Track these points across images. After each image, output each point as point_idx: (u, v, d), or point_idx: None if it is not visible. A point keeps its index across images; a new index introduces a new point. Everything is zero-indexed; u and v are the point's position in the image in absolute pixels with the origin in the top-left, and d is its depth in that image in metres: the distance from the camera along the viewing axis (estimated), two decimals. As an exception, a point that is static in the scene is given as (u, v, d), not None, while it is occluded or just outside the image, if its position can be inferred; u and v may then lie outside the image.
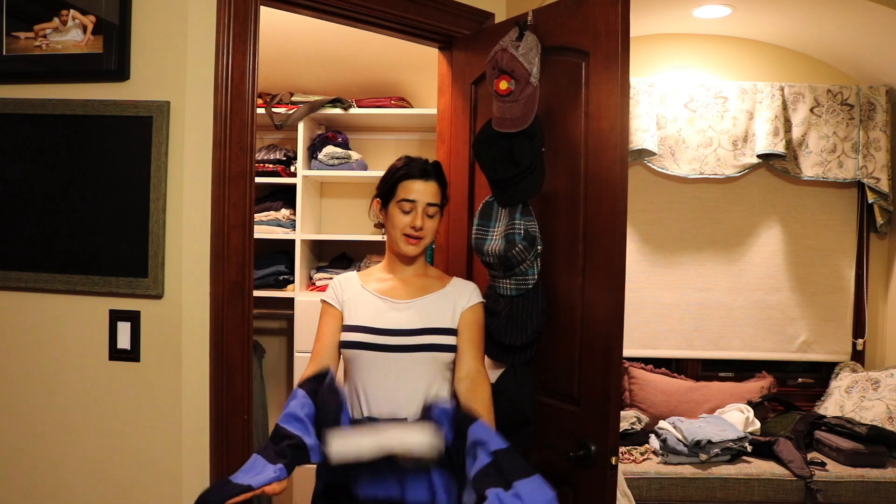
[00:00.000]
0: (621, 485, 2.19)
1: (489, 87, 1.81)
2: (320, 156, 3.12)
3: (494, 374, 1.90)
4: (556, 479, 1.76)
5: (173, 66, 1.66)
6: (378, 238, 3.18)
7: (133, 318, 1.67)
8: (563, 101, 1.78)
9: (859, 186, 3.37)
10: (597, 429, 1.66)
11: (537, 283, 1.79)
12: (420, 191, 1.66)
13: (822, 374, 3.48)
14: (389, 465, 1.40)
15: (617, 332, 1.64)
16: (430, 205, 1.66)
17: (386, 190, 1.70)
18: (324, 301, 1.71)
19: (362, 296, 1.68)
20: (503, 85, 1.75)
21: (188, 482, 1.69)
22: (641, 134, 3.18)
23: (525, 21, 1.82)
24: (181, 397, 1.68)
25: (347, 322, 1.65)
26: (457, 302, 1.68)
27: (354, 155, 3.16)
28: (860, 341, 3.42)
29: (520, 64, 1.72)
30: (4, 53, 1.69)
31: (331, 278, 3.12)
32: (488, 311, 1.82)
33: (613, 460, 1.62)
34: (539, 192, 1.80)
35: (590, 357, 1.70)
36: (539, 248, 1.77)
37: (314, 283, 3.20)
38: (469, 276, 2.14)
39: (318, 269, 3.23)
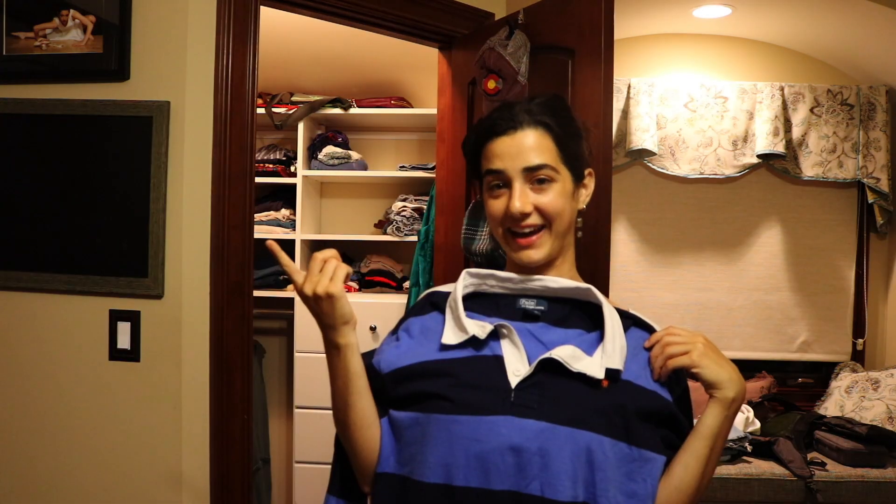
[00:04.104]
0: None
1: (478, 87, 1.82)
2: (320, 156, 3.12)
3: None
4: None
5: (173, 66, 1.66)
6: (378, 238, 3.18)
7: (133, 318, 1.67)
8: (551, 99, 1.79)
9: (859, 186, 3.36)
10: None
11: None
12: (507, 152, 1.00)
13: (822, 374, 3.48)
14: None
15: None
16: (529, 169, 0.99)
17: (472, 166, 1.09)
18: None
19: None
20: (491, 84, 1.75)
21: (188, 482, 1.69)
22: (641, 134, 3.17)
23: (516, 20, 1.82)
24: (181, 397, 1.68)
25: None
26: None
27: (354, 155, 3.16)
28: (860, 341, 3.42)
29: (506, 63, 1.72)
30: (4, 53, 1.69)
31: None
32: None
33: None
34: None
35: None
36: None
37: (314, 283, 3.20)
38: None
39: (318, 269, 3.23)
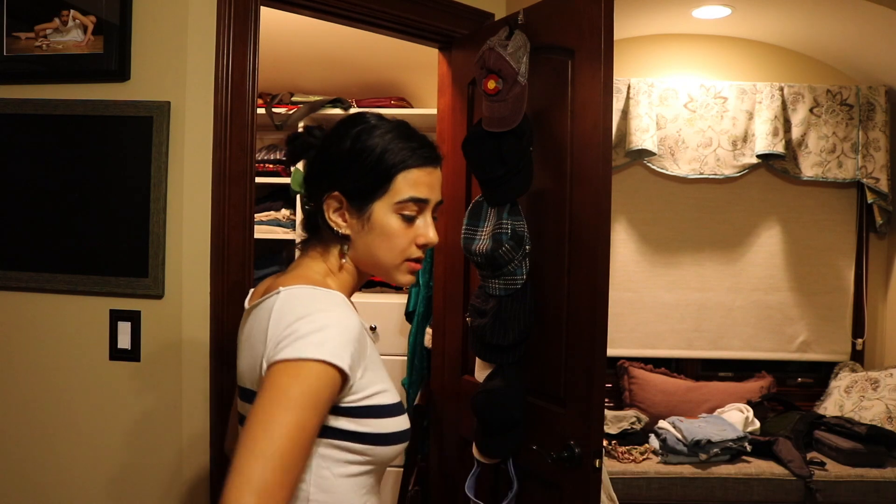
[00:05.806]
0: (606, 487, 2.19)
1: (478, 87, 1.82)
2: (320, 156, 3.12)
3: (483, 374, 1.91)
4: (543, 480, 1.76)
5: (173, 67, 1.66)
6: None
7: (133, 318, 1.67)
8: (551, 99, 1.79)
9: (859, 186, 3.37)
10: (581, 430, 1.66)
11: (526, 283, 1.79)
12: (432, 184, 1.08)
13: (821, 373, 3.48)
14: None
15: (600, 335, 1.63)
16: (438, 205, 1.12)
17: (370, 181, 1.05)
18: (325, 362, 0.91)
19: (372, 346, 1.06)
20: (491, 84, 1.76)
21: (189, 483, 1.69)
22: (641, 134, 3.18)
23: (516, 20, 1.82)
24: (181, 397, 1.68)
25: (378, 400, 1.01)
26: None
27: (354, 155, 3.16)
28: (859, 341, 3.43)
29: (507, 63, 1.72)
30: (5, 54, 1.69)
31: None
32: (476, 311, 1.82)
33: (597, 462, 1.62)
34: (527, 191, 1.80)
35: (574, 359, 1.70)
36: (527, 247, 1.77)
37: (314, 283, 3.20)
38: (467, 277, 2.15)
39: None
